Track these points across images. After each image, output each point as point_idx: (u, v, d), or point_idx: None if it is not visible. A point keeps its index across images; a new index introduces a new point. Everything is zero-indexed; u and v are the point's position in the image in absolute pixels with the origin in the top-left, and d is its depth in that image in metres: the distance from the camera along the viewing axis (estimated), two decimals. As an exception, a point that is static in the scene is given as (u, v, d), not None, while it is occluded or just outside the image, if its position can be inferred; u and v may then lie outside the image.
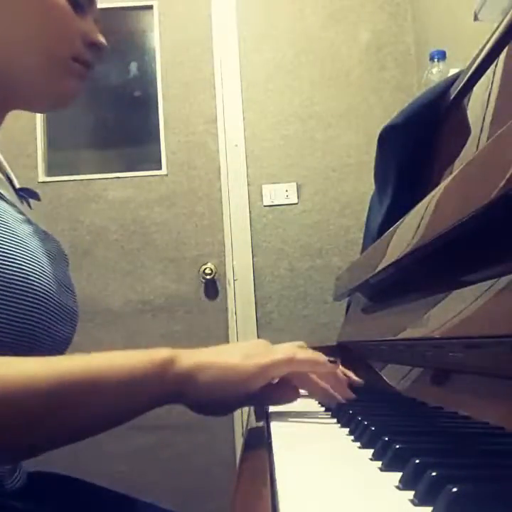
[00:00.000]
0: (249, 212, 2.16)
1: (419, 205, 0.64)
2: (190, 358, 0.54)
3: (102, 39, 0.70)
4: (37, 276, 0.58)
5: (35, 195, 0.76)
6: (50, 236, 0.71)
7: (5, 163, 0.74)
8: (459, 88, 0.83)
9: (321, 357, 0.62)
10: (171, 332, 2.13)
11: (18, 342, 0.56)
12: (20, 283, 0.55)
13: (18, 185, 0.75)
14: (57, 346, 0.64)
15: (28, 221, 0.65)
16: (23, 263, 0.56)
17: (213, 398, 0.55)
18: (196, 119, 2.21)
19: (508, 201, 0.42)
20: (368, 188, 1.87)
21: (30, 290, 0.56)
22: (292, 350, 0.61)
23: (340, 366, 0.75)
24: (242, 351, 0.58)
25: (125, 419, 0.52)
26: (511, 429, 0.46)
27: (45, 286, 0.59)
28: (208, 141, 2.20)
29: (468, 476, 0.31)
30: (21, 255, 0.57)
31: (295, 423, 0.60)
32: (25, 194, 0.75)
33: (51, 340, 0.61)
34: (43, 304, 0.58)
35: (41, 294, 0.58)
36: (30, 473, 0.71)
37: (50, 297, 0.60)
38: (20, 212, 0.64)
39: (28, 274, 0.56)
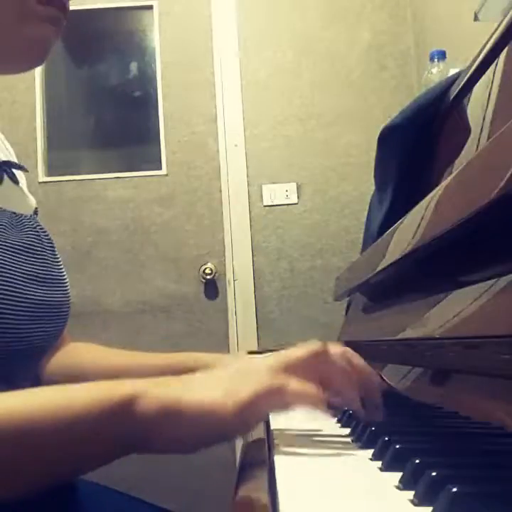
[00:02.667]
0: (249, 212, 2.15)
1: (419, 205, 0.64)
2: (157, 396, 0.43)
3: None
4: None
5: (21, 167, 0.71)
6: (25, 222, 0.65)
7: None
8: (459, 88, 0.83)
9: (314, 390, 0.46)
10: (171, 332, 2.12)
11: None
12: None
13: (6, 158, 0.70)
14: (43, 340, 0.61)
15: None
16: None
17: (186, 447, 0.45)
18: (196, 119, 2.21)
19: (508, 201, 0.42)
20: (368, 188, 1.86)
21: None
22: (284, 367, 0.47)
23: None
24: (225, 382, 0.46)
25: (76, 473, 0.42)
26: (511, 429, 0.46)
27: (6, 284, 0.55)
28: (208, 141, 2.20)
29: (468, 476, 0.31)
30: None
31: (295, 423, 0.59)
32: (8, 167, 0.69)
33: (28, 338, 0.57)
34: (8, 301, 0.54)
35: (5, 292, 0.54)
36: None
37: (15, 295, 0.55)
38: None
39: None
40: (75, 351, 0.82)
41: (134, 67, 2.31)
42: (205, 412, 0.43)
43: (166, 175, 2.20)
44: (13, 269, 0.57)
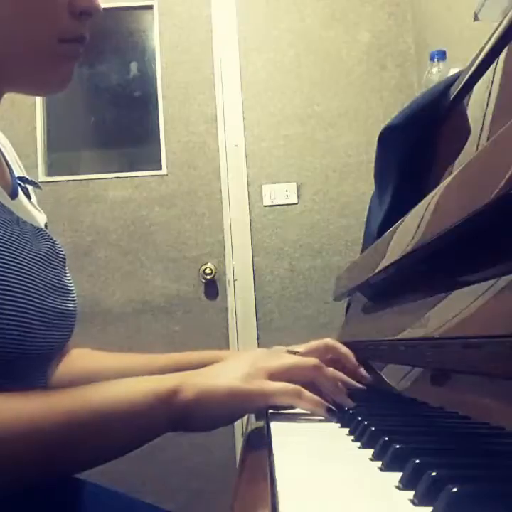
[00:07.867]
0: (249, 212, 2.15)
1: (419, 205, 0.64)
2: (194, 385, 0.54)
3: (91, 2, 0.58)
4: (22, 282, 0.55)
5: (35, 184, 0.74)
6: (43, 233, 0.67)
7: (4, 151, 0.70)
8: (459, 88, 0.83)
9: (322, 403, 0.58)
10: (171, 332, 2.13)
11: (3, 347, 0.53)
12: (1, 290, 0.52)
13: (20, 174, 0.71)
14: (51, 348, 0.63)
15: (16, 221, 0.61)
16: (5, 270, 0.53)
17: (217, 421, 0.56)
18: (196, 119, 2.21)
19: (508, 201, 0.42)
20: (368, 188, 1.87)
21: (14, 297, 0.54)
22: (299, 373, 0.60)
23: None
24: (243, 370, 0.58)
25: (130, 450, 0.53)
26: (511, 429, 0.46)
27: (30, 292, 0.56)
28: (208, 141, 2.20)
29: (468, 476, 0.31)
30: (4, 262, 0.54)
31: (295, 423, 0.59)
32: (22, 182, 0.71)
33: (40, 345, 0.59)
34: (29, 308, 0.56)
35: (26, 301, 0.55)
36: None
37: (36, 303, 0.57)
38: (8, 212, 0.61)
39: (10, 281, 0.53)
40: (80, 358, 0.83)
41: (134, 67, 2.31)
42: (233, 394, 0.55)
43: (166, 175, 2.20)
44: (35, 278, 0.59)
